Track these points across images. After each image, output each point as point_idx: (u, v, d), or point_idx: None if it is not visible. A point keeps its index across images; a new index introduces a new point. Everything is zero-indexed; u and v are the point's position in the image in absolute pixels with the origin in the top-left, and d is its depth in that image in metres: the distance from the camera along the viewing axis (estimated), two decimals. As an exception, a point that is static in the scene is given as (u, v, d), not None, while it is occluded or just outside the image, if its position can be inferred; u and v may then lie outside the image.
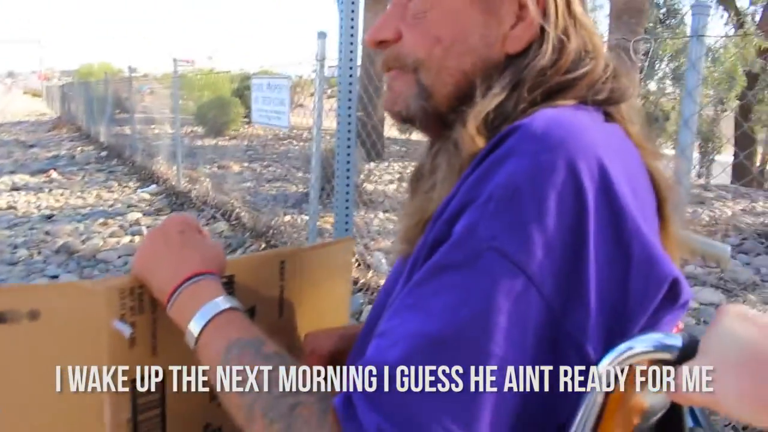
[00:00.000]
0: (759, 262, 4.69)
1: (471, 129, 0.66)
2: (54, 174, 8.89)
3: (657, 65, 11.36)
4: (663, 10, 11.99)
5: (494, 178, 0.57)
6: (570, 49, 0.70)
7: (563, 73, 0.69)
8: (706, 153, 9.92)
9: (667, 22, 11.99)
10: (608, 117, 0.71)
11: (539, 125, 0.59)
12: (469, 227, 0.57)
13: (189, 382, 0.90)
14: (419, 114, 0.76)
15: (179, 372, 0.88)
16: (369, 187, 7.22)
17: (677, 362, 0.53)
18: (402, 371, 0.55)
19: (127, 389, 0.84)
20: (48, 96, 36.02)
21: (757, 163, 10.59)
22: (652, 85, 11.33)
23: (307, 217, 4.76)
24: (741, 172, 8.78)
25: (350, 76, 2.98)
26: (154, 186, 7.85)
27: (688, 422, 0.72)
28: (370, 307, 2.38)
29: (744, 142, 8.88)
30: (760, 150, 10.95)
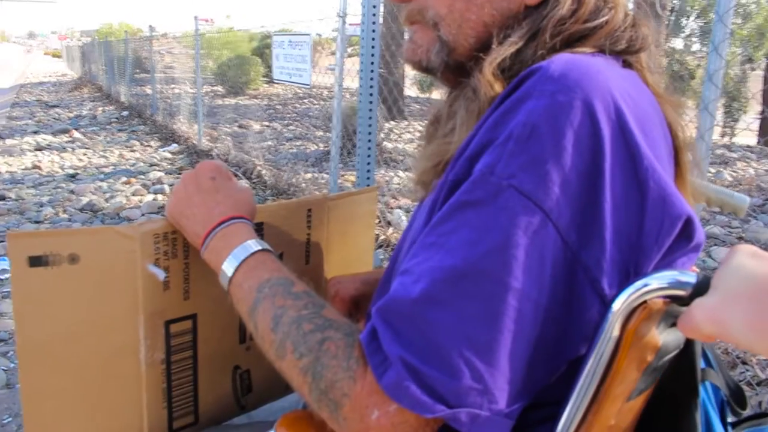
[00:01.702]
0: (781, 222, 4.65)
1: (488, 74, 0.67)
2: (76, 134, 8.96)
3: (684, 22, 11.08)
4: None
5: (513, 118, 0.59)
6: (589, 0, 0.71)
7: (582, 23, 0.70)
8: (731, 113, 9.70)
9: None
10: (627, 65, 0.72)
11: (557, 68, 0.60)
12: (489, 166, 0.59)
13: (218, 326, 0.94)
14: (440, 66, 0.78)
15: (209, 316, 0.92)
16: (389, 145, 7.21)
17: (691, 299, 0.55)
18: (424, 305, 0.58)
19: (161, 331, 0.88)
20: (68, 56, 36.05)
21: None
22: (678, 42, 11.07)
23: (327, 175, 4.78)
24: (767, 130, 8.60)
25: (373, 31, 2.97)
26: (175, 145, 7.89)
27: (701, 364, 0.74)
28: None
29: (771, 100, 8.69)
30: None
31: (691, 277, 0.55)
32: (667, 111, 0.71)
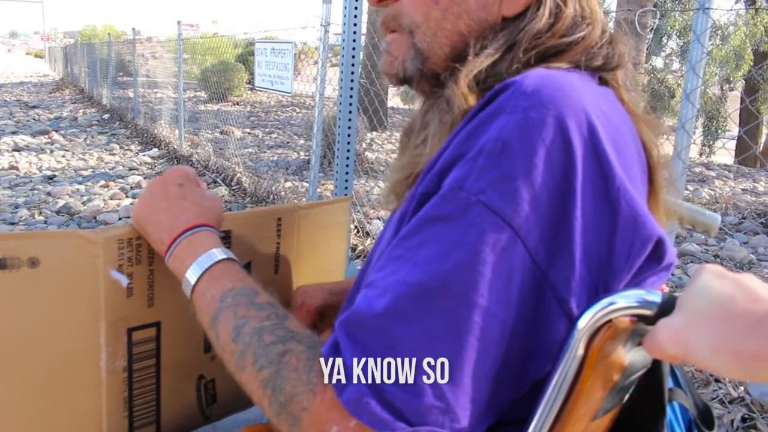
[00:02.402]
0: (756, 242, 4.70)
1: (462, 86, 0.67)
2: (56, 135, 8.86)
3: (664, 41, 11.23)
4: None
5: (485, 133, 0.58)
6: (566, 14, 0.70)
7: (559, 37, 0.70)
8: (709, 132, 9.83)
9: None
10: (603, 82, 0.71)
11: (530, 83, 0.59)
12: (459, 181, 0.58)
13: (183, 334, 0.92)
14: (416, 75, 0.77)
15: (174, 324, 0.90)
16: (370, 155, 7.21)
17: (656, 318, 0.54)
18: (387, 319, 0.56)
19: (123, 338, 0.86)
20: (50, 57, 35.77)
21: (762, 143, 10.48)
22: (658, 62, 11.21)
23: (307, 184, 4.77)
24: (745, 150, 8.73)
25: (353, 41, 2.97)
26: (155, 150, 7.83)
27: (669, 383, 0.73)
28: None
29: (748, 119, 8.83)
30: (765, 131, 10.82)
31: (656, 296, 0.55)
32: (641, 129, 0.70)
